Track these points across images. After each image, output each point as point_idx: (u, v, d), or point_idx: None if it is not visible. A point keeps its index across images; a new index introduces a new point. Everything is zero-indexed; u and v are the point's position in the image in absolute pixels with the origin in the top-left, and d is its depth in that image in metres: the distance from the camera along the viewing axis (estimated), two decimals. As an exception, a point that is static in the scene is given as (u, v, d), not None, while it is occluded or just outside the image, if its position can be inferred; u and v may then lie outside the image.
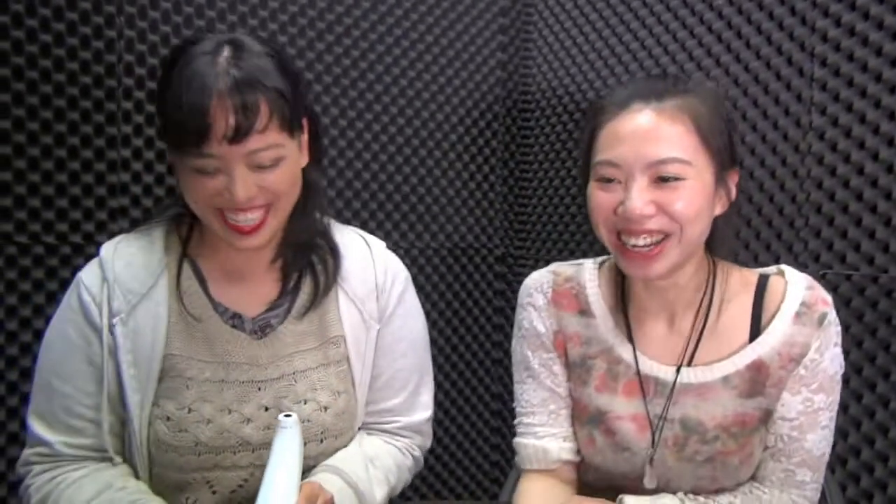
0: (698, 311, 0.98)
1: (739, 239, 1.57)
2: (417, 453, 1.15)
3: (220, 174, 0.91)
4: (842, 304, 1.41)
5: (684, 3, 1.70)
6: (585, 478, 1.07)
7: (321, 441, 1.01)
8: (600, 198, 0.92)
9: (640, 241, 0.90)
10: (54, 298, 1.53)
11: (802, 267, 1.45)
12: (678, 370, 0.97)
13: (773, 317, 0.96)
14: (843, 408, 1.40)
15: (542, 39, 2.10)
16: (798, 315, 0.96)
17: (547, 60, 2.08)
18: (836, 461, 1.41)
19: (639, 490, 0.99)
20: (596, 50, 1.93)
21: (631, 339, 1.00)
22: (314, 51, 1.81)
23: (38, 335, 1.51)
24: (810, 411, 0.95)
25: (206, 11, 1.67)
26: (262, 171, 0.92)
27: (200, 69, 0.89)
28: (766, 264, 1.06)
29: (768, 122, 1.53)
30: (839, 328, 0.98)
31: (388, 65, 1.92)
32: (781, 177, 1.51)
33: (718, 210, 0.95)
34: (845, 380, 1.39)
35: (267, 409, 0.99)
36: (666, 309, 1.00)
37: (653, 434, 0.98)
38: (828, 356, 0.95)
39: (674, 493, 0.98)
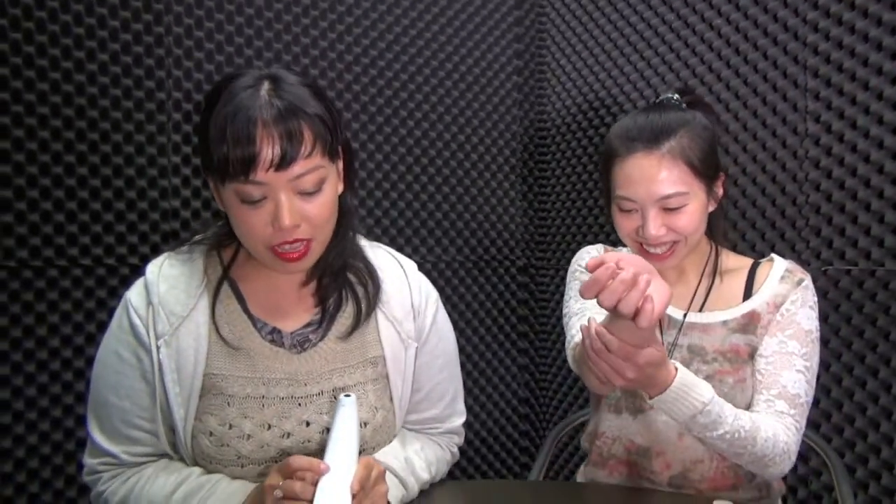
0: (703, 272, 1.25)
1: (746, 240, 1.68)
2: (455, 450, 1.24)
3: (265, 202, 0.96)
4: (843, 298, 1.50)
5: (687, 24, 1.82)
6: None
7: (360, 454, 1.03)
8: (623, 221, 1.19)
9: (657, 250, 1.17)
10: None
11: (805, 264, 1.55)
12: (686, 313, 1.23)
13: (763, 282, 1.22)
14: (849, 395, 1.49)
15: (556, 62, 2.23)
16: (782, 278, 1.21)
17: (560, 82, 2.21)
18: (845, 445, 1.50)
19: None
20: (606, 70, 2.05)
21: None
22: (343, 81, 1.95)
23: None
24: (784, 352, 1.15)
25: (244, 50, 1.83)
26: (306, 197, 0.96)
27: (244, 102, 0.93)
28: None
29: (767, 130, 1.64)
30: (815, 298, 1.20)
31: (412, 91, 2.06)
32: (782, 181, 1.61)
33: (711, 209, 1.20)
34: (849, 368, 1.49)
35: (308, 423, 1.03)
36: (678, 272, 1.27)
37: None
38: (802, 312, 1.17)
39: None
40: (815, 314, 1.19)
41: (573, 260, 1.35)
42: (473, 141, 2.16)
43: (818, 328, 1.19)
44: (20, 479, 1.60)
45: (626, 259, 0.87)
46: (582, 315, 1.25)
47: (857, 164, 1.48)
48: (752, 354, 1.18)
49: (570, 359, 1.24)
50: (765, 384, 1.15)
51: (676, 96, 1.23)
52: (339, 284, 1.10)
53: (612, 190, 1.19)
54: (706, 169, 1.16)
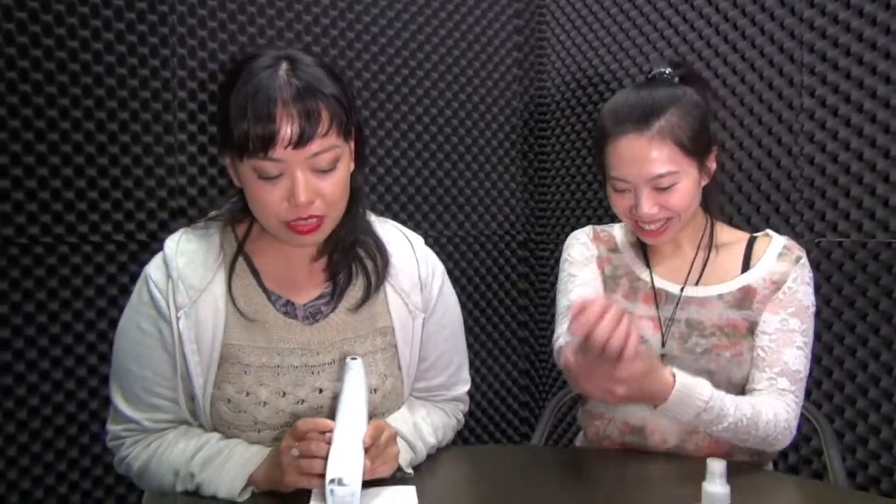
0: (699, 245, 1.27)
1: (741, 214, 1.71)
2: (460, 416, 1.29)
3: (282, 178, 0.99)
4: (835, 269, 1.54)
5: (677, 11, 1.84)
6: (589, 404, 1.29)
7: (370, 419, 1.07)
8: (618, 200, 1.22)
9: (651, 226, 1.20)
10: (126, 290, 1.72)
11: (799, 237, 1.59)
12: (682, 287, 1.25)
13: (760, 257, 1.23)
14: (839, 363, 1.54)
15: (555, 38, 2.25)
16: (780, 255, 1.23)
17: (560, 58, 2.23)
18: (835, 411, 1.55)
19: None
20: (605, 45, 2.07)
21: (648, 265, 1.29)
22: (344, 59, 1.98)
23: (113, 323, 1.70)
24: (786, 329, 1.18)
25: (247, 28, 1.85)
26: (321, 175, 1.01)
27: (264, 82, 0.98)
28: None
29: (763, 105, 1.67)
30: (810, 272, 1.22)
31: (413, 69, 2.08)
32: (777, 155, 1.64)
33: (704, 183, 1.22)
34: (840, 337, 1.53)
35: (321, 391, 1.08)
36: (675, 246, 1.29)
37: (662, 334, 1.23)
38: (802, 289, 1.20)
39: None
40: (812, 290, 1.22)
41: (564, 246, 1.37)
42: (474, 117, 2.18)
43: (814, 303, 1.22)
44: (35, 449, 1.66)
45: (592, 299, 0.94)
46: (566, 316, 1.26)
47: (850, 138, 1.51)
48: (749, 329, 1.20)
49: (555, 357, 1.25)
50: (768, 362, 1.17)
51: (669, 70, 1.23)
52: (350, 259, 1.13)
53: (606, 169, 1.21)
54: (696, 146, 1.17)
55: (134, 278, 1.69)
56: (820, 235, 1.58)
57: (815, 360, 1.56)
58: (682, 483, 1.02)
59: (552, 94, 2.27)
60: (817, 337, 1.55)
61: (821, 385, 1.57)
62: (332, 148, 1.01)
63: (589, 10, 2.12)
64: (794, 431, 1.16)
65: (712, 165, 1.23)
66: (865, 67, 1.48)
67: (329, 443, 0.93)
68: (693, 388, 1.06)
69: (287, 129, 0.96)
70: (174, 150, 1.78)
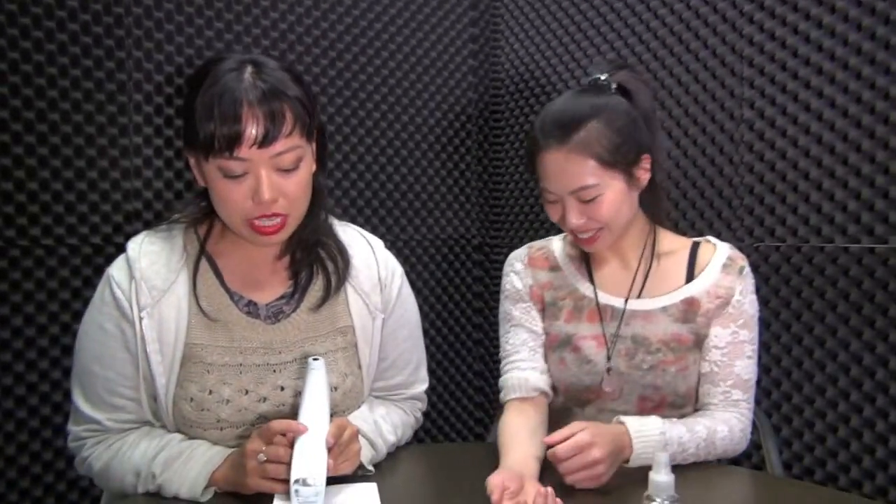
0: (642, 255, 1.27)
1: (686, 219, 1.79)
2: (419, 415, 1.33)
3: (246, 177, 1.02)
4: (772, 272, 1.63)
5: (633, 12, 1.92)
6: (554, 404, 1.28)
7: (331, 417, 1.09)
8: (550, 211, 1.23)
9: (583, 235, 1.21)
10: (79, 294, 1.70)
11: (740, 241, 1.67)
12: (626, 301, 1.25)
13: (704, 267, 1.24)
14: (776, 361, 1.63)
15: (509, 46, 2.30)
16: (724, 266, 1.23)
17: (514, 65, 2.29)
18: (772, 406, 1.63)
19: (600, 401, 1.24)
20: (558, 55, 2.14)
21: (591, 280, 1.28)
22: (302, 64, 1.99)
23: (65, 327, 1.68)
24: (737, 342, 1.21)
25: (205, 32, 1.85)
26: (284, 174, 1.04)
27: (230, 84, 1.00)
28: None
29: (707, 115, 1.75)
30: (753, 279, 1.25)
31: (370, 74, 2.11)
32: (720, 164, 1.73)
33: (642, 186, 1.22)
34: (777, 336, 1.62)
35: (282, 388, 1.11)
36: (617, 255, 1.28)
37: (608, 349, 1.24)
38: (748, 300, 1.23)
39: (622, 406, 1.21)
40: (755, 296, 1.25)
41: (504, 266, 1.35)
42: (430, 123, 2.22)
43: (758, 307, 1.26)
44: (9, 452, 1.63)
45: (509, 480, 0.97)
46: (512, 367, 1.26)
47: (786, 148, 1.60)
48: (695, 342, 1.21)
49: (503, 390, 1.26)
50: (721, 376, 1.20)
51: (604, 77, 1.20)
52: (311, 259, 1.16)
53: (538, 180, 1.22)
54: (618, 158, 1.15)
55: (87, 281, 1.70)
56: (759, 240, 1.66)
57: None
58: (631, 474, 1.07)
59: (507, 101, 2.32)
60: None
61: (760, 382, 1.64)
62: (295, 148, 1.04)
63: (542, 20, 2.19)
64: (749, 436, 1.22)
65: (642, 175, 1.21)
66: (800, 82, 1.57)
67: (292, 445, 0.95)
68: (645, 425, 1.10)
69: (252, 130, 1.00)
70: (130, 152, 1.77)
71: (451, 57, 2.26)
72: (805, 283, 1.58)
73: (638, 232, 1.27)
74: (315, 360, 1.04)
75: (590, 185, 1.15)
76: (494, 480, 0.95)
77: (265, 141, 1.00)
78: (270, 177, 1.02)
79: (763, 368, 1.64)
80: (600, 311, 1.25)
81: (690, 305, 1.22)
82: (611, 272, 1.28)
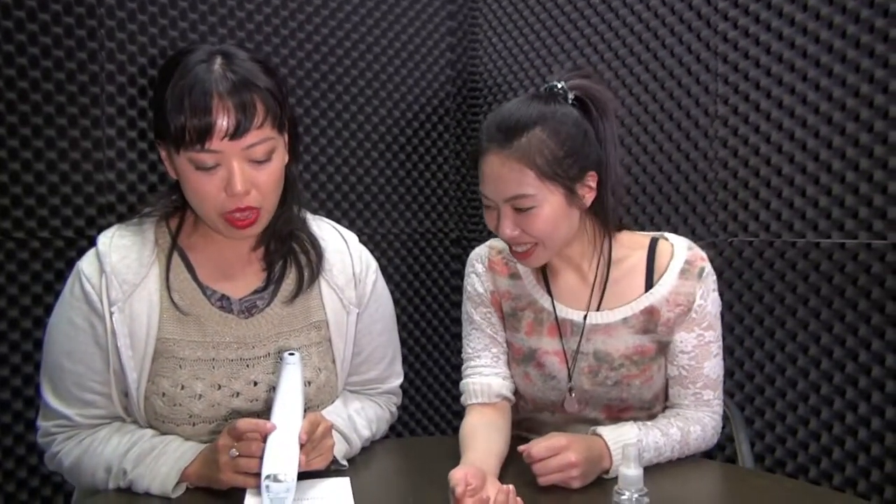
0: (598, 265, 1.21)
1: (661, 213, 1.81)
2: (394, 409, 1.32)
3: (218, 169, 1.01)
4: (746, 266, 1.65)
5: (610, 8, 1.92)
6: (517, 416, 1.28)
7: (305, 411, 1.09)
8: (486, 217, 1.17)
9: (517, 248, 1.16)
10: (51, 288, 1.68)
11: (714, 236, 1.69)
12: (585, 315, 1.20)
13: (663, 273, 1.18)
14: (749, 354, 1.65)
15: (488, 40, 2.30)
16: (682, 271, 1.18)
17: (492, 59, 2.29)
18: (745, 399, 1.66)
19: (562, 415, 1.23)
20: (535, 49, 2.14)
21: (549, 292, 1.23)
22: (279, 56, 1.98)
23: (37, 322, 1.66)
24: (703, 344, 1.19)
25: (178, 23, 1.83)
26: (257, 165, 1.03)
27: (200, 75, 1.00)
28: (685, 235, 1.28)
29: (682, 111, 1.76)
30: (714, 276, 1.21)
31: (347, 67, 2.10)
32: (695, 159, 1.74)
33: (585, 206, 1.14)
34: (750, 330, 1.64)
35: (255, 383, 1.10)
36: (572, 267, 1.22)
37: (569, 367, 1.21)
38: (710, 300, 1.19)
39: (591, 413, 1.21)
40: (716, 293, 1.20)
41: (466, 264, 1.31)
42: (408, 117, 2.22)
43: (720, 302, 1.22)
44: (-44, 451, 1.61)
45: (472, 476, 0.95)
46: (474, 372, 1.25)
47: (759, 144, 1.62)
48: (658, 350, 1.19)
49: (465, 394, 1.25)
50: (690, 379, 1.19)
51: (562, 85, 1.13)
52: (285, 252, 1.16)
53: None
54: (558, 171, 1.09)
55: (60, 275, 1.68)
56: (732, 235, 1.68)
57: (729, 352, 1.67)
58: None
59: (484, 95, 2.32)
60: (729, 330, 1.66)
61: (733, 375, 1.67)
62: (267, 140, 1.03)
63: (520, 14, 2.19)
64: (720, 431, 1.22)
65: (586, 193, 1.13)
66: (773, 78, 1.59)
67: (265, 440, 0.95)
68: (622, 435, 1.10)
69: (223, 122, 0.99)
70: (102, 145, 1.75)
71: (428, 50, 2.25)
72: (777, 277, 1.60)
73: (589, 241, 1.20)
74: (290, 354, 1.04)
75: (525, 194, 1.09)
76: (457, 474, 0.94)
77: (236, 133, 0.99)
78: (243, 168, 1.02)
79: (736, 362, 1.67)
80: (560, 326, 1.21)
81: (651, 315, 1.18)
82: (567, 284, 1.23)
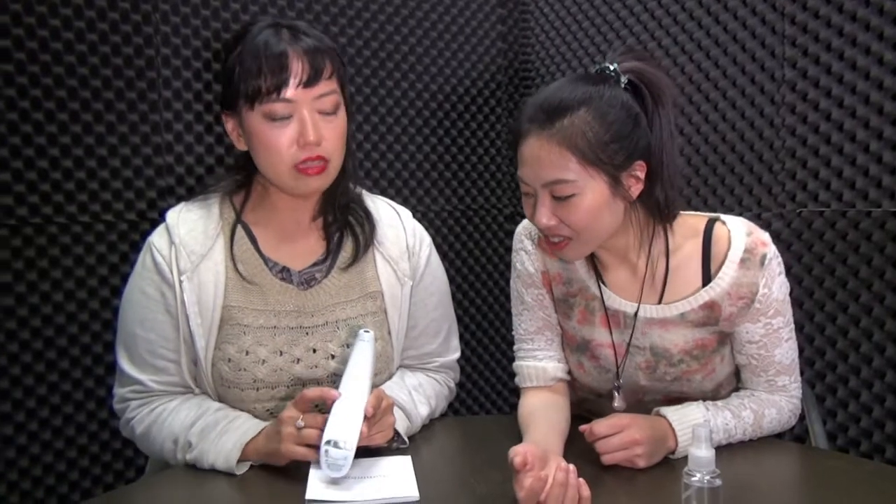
0: (648, 257, 1.13)
1: (725, 185, 1.74)
2: (452, 385, 1.33)
3: (290, 122, 1.08)
4: (816, 238, 1.58)
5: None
6: (575, 397, 1.25)
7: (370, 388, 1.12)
8: (524, 205, 1.11)
9: (553, 239, 1.08)
10: (116, 269, 1.73)
11: (781, 207, 1.62)
12: (637, 308, 1.13)
13: (721, 264, 1.09)
14: (820, 329, 1.58)
15: (539, 10, 2.25)
16: (743, 261, 1.09)
17: (544, 30, 2.23)
18: (815, 377, 1.59)
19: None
20: (589, 18, 2.08)
21: (599, 279, 1.17)
22: (330, 34, 1.97)
23: (104, 302, 1.71)
24: (771, 332, 1.12)
25: (231, 4, 1.83)
26: (326, 118, 1.10)
27: (271, 37, 1.09)
28: (749, 208, 1.22)
29: (746, 77, 1.69)
30: (779, 259, 1.12)
31: (398, 43, 2.08)
32: (760, 127, 1.67)
33: (630, 198, 1.07)
34: (821, 304, 1.58)
35: (315, 350, 1.15)
36: (620, 258, 1.15)
37: (617, 363, 1.16)
38: (775, 287, 1.10)
39: (648, 405, 1.15)
40: (783, 276, 1.12)
41: (514, 238, 1.25)
42: (459, 92, 2.19)
43: (788, 285, 1.14)
44: (56, 423, 1.67)
45: (532, 455, 0.90)
46: (528, 355, 1.21)
47: (831, 108, 1.54)
48: (720, 341, 1.14)
49: (519, 377, 1.22)
50: (761, 367, 1.13)
51: (614, 67, 1.06)
52: (342, 223, 1.21)
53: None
54: (602, 157, 1.01)
55: (124, 257, 1.72)
56: (801, 205, 1.61)
57: (797, 327, 1.60)
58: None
59: (537, 67, 2.27)
60: (799, 305, 1.59)
61: (803, 352, 1.61)
62: (334, 92, 1.11)
63: (573, -18, 2.13)
64: (798, 413, 1.17)
65: (632, 184, 1.05)
66: (845, 39, 1.50)
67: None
68: (687, 416, 1.06)
69: (298, 69, 1.07)
70: (160, 128, 1.77)
71: (479, 23, 2.21)
72: (850, 249, 1.53)
73: (636, 234, 1.12)
74: (366, 331, 1.08)
75: (565, 179, 1.01)
76: (518, 449, 0.92)
77: (310, 81, 1.07)
78: (314, 118, 1.09)
79: (806, 338, 1.60)
80: (612, 318, 1.15)
81: (711, 310, 1.10)
82: (618, 274, 1.16)
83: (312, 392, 1.00)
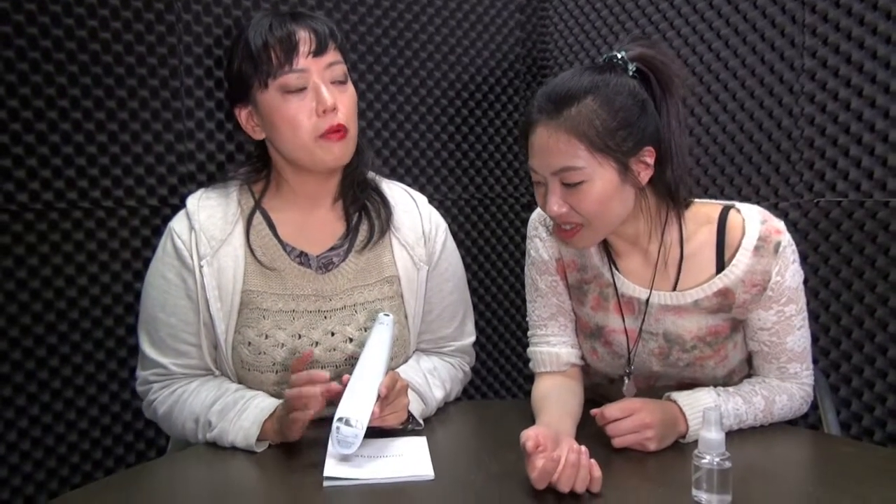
0: (661, 244, 1.15)
1: (742, 174, 1.74)
2: (467, 369, 1.36)
3: (306, 93, 1.12)
4: (833, 228, 1.58)
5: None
6: (589, 381, 1.27)
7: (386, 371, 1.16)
8: (536, 194, 1.15)
9: (564, 226, 1.11)
10: (139, 254, 1.76)
11: (798, 196, 1.62)
12: (649, 295, 1.15)
13: (735, 252, 1.11)
14: (836, 319, 1.58)
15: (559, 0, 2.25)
16: (756, 248, 1.11)
17: (563, 19, 2.23)
18: (830, 366, 1.59)
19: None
20: (608, 6, 2.08)
21: (613, 265, 1.19)
22: (349, 22, 1.98)
23: (127, 286, 1.74)
24: (783, 320, 1.13)
25: (251, -8, 1.85)
26: (338, 87, 1.14)
27: (273, 20, 1.13)
28: (766, 198, 1.23)
29: (765, 66, 1.68)
30: (794, 247, 1.13)
31: (417, 32, 2.09)
32: (778, 116, 1.66)
33: (640, 184, 1.09)
34: (837, 294, 1.57)
35: (333, 334, 1.17)
36: (632, 245, 1.17)
37: (629, 350, 1.18)
38: (788, 275, 1.11)
39: (660, 391, 1.17)
40: (797, 264, 1.13)
41: (528, 226, 1.28)
42: (477, 80, 2.20)
43: (802, 273, 1.15)
44: (80, 404, 1.71)
45: (544, 437, 0.91)
46: (542, 341, 1.23)
47: (850, 98, 1.53)
48: (733, 327, 1.15)
49: (533, 362, 1.24)
50: (773, 354, 1.14)
51: (621, 54, 1.08)
52: (358, 206, 1.25)
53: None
54: (609, 143, 1.04)
55: (146, 242, 1.75)
56: (819, 195, 1.60)
57: (813, 317, 1.60)
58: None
59: (555, 56, 2.27)
60: (814, 294, 1.59)
61: (818, 341, 1.61)
62: (341, 63, 1.16)
63: (592, -29, 2.12)
64: (810, 400, 1.18)
65: (641, 170, 1.08)
66: (867, 27, 1.49)
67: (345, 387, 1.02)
68: (698, 401, 1.07)
69: (305, 38, 1.12)
70: (182, 115, 1.80)
71: (497, 12, 2.21)
72: (868, 239, 1.52)
73: (648, 220, 1.14)
74: (386, 315, 1.10)
75: (574, 167, 1.04)
76: (529, 432, 0.94)
77: (318, 50, 1.12)
78: (328, 85, 1.14)
79: (821, 328, 1.60)
80: (626, 304, 1.16)
81: (725, 297, 1.12)
82: (631, 261, 1.17)
83: (297, 378, 1.03)
